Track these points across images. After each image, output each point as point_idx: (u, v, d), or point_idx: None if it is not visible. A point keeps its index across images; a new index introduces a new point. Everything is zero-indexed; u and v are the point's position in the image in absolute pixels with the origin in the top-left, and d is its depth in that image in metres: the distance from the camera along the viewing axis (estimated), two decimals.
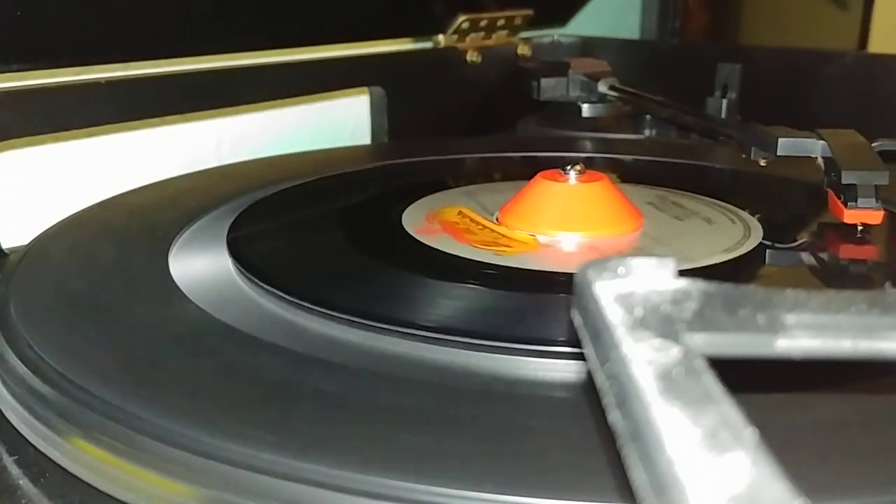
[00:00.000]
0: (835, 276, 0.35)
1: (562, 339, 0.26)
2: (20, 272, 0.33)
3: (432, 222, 0.38)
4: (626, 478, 0.14)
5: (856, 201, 0.37)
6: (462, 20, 0.66)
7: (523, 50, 0.72)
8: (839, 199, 0.38)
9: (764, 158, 0.45)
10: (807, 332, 0.16)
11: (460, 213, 0.40)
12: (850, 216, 0.37)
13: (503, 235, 0.37)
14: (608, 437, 0.15)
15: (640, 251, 0.36)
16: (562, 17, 0.79)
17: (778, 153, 0.42)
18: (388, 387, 0.24)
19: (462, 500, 0.19)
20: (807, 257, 0.36)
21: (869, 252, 0.37)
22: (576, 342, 0.17)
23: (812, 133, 0.41)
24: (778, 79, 0.69)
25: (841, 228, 0.38)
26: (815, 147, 0.41)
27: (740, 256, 0.35)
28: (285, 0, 0.54)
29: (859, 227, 0.38)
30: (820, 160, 0.41)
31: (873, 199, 0.37)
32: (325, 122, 0.63)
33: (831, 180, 0.39)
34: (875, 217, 0.37)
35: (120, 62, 0.47)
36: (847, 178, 0.38)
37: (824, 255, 0.37)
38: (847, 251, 0.37)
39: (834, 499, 0.18)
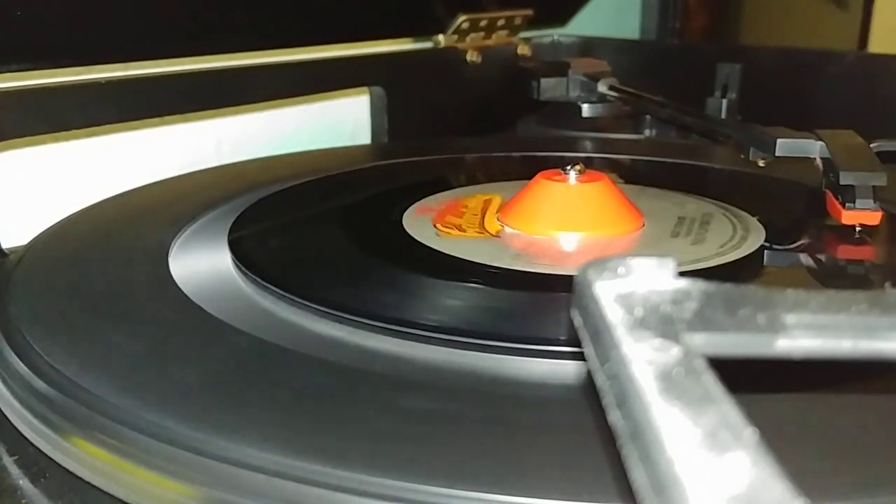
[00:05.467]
0: (833, 277, 0.35)
1: (561, 339, 0.26)
2: (20, 272, 0.33)
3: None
4: (626, 478, 0.14)
5: (854, 202, 0.37)
6: (462, 20, 0.66)
7: (523, 50, 0.72)
8: (837, 199, 0.38)
9: (762, 159, 0.45)
10: (807, 332, 0.16)
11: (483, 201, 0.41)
12: (848, 217, 0.37)
13: (478, 225, 0.38)
14: (608, 437, 0.15)
15: (640, 251, 0.36)
16: (562, 17, 0.79)
17: (776, 154, 0.42)
18: (389, 387, 0.24)
19: (461, 501, 0.19)
20: (805, 258, 0.36)
21: (867, 253, 0.37)
22: (575, 342, 0.17)
23: (810, 134, 0.41)
24: (778, 79, 0.69)
25: (839, 229, 0.38)
26: (813, 148, 0.41)
27: (740, 257, 0.35)
28: (285, 0, 0.54)
29: (857, 228, 0.38)
30: (818, 161, 0.41)
31: (871, 200, 0.37)
32: (325, 122, 0.63)
33: (829, 181, 0.39)
34: (873, 218, 0.37)
35: (120, 62, 0.47)
36: (845, 178, 0.38)
37: (823, 257, 0.37)
38: (845, 252, 0.37)
39: (834, 499, 0.18)
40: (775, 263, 0.36)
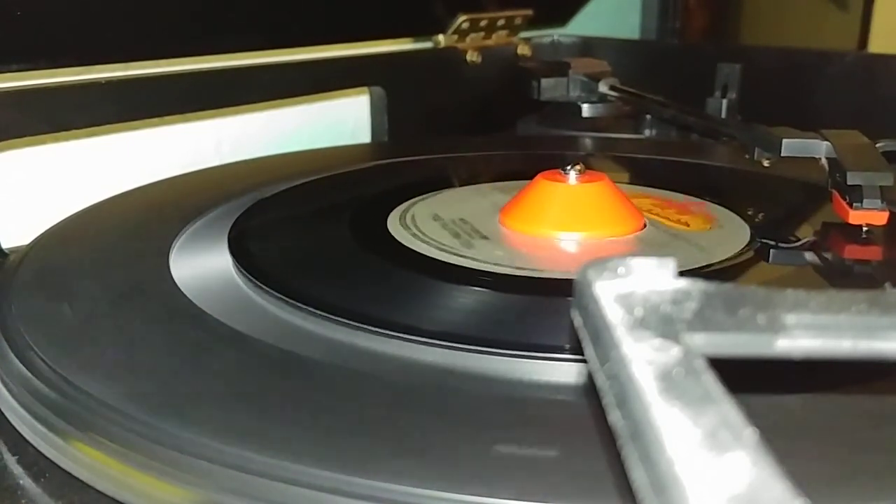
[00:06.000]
0: (840, 277, 0.35)
1: (562, 342, 0.26)
2: (20, 272, 0.33)
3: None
4: (626, 478, 0.14)
5: (861, 202, 0.37)
6: (462, 20, 0.66)
7: (523, 50, 0.72)
8: (844, 199, 0.38)
9: (767, 159, 0.45)
10: (807, 332, 0.16)
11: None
12: (856, 217, 0.37)
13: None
14: (608, 438, 0.15)
15: (640, 251, 0.36)
16: (562, 17, 0.79)
17: (782, 154, 0.42)
18: (386, 390, 0.24)
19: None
20: (811, 258, 0.36)
21: (874, 253, 0.37)
22: (576, 344, 0.17)
23: (816, 134, 0.41)
24: (778, 79, 0.69)
25: (845, 229, 0.38)
26: (819, 148, 0.41)
27: (742, 257, 0.35)
28: (285, 0, 0.54)
29: (864, 228, 0.38)
30: (824, 161, 0.41)
31: (878, 200, 0.37)
32: (325, 122, 0.63)
33: (836, 181, 0.39)
34: (880, 218, 0.37)
35: (120, 62, 0.47)
36: (852, 179, 0.37)
37: (829, 256, 0.37)
38: (852, 252, 0.37)
39: (834, 499, 0.18)
40: (780, 263, 0.36)
